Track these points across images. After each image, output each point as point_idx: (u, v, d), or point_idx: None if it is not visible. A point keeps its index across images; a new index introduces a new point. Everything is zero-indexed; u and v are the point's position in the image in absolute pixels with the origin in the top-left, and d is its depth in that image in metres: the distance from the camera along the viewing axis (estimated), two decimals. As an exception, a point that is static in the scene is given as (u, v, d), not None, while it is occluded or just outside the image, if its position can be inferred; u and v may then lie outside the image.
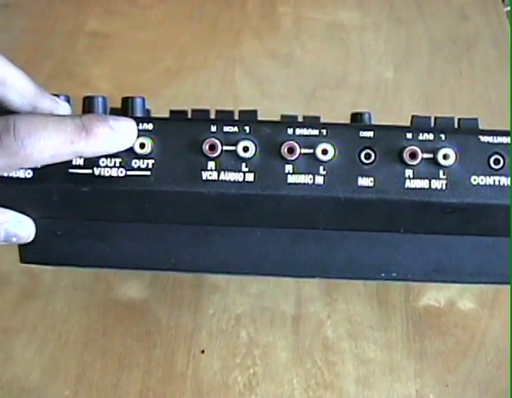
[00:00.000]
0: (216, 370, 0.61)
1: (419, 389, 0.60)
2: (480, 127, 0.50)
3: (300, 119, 0.52)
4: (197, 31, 0.88)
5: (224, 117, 0.50)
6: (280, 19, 0.90)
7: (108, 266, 0.55)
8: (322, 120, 0.51)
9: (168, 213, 0.48)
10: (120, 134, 0.44)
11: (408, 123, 0.50)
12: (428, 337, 0.63)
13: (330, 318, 0.63)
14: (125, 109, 0.49)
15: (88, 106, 0.49)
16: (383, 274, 0.53)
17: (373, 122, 0.53)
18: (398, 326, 0.63)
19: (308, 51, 0.86)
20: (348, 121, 0.53)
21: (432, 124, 0.50)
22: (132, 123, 0.45)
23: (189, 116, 0.52)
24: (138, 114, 0.49)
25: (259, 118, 0.50)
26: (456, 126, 0.50)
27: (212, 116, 0.51)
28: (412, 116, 0.50)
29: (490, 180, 0.46)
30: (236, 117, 0.50)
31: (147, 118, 0.47)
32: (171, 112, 0.54)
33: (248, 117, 0.50)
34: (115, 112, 0.50)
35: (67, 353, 0.62)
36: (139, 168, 0.46)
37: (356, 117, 0.52)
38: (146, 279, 0.65)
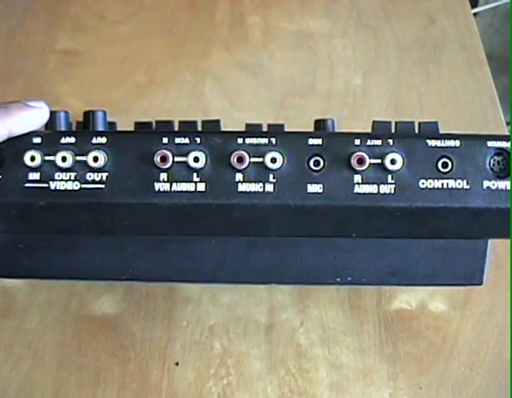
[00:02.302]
0: (191, 381, 0.61)
1: (393, 392, 0.60)
2: (441, 130, 0.51)
3: (265, 128, 0.53)
4: (167, 45, 0.88)
5: (187, 128, 0.50)
6: (249, 29, 0.90)
7: (68, 277, 0.55)
8: (287, 128, 0.52)
9: (123, 225, 0.48)
10: (33, 108, 0.47)
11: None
12: (401, 340, 0.63)
13: (303, 325, 0.64)
14: (86, 122, 0.50)
15: (50, 120, 0.50)
16: (338, 279, 0.54)
17: (337, 129, 0.53)
18: (371, 330, 0.63)
19: (277, 61, 0.87)
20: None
21: (393, 129, 0.50)
22: (42, 101, 0.48)
23: (153, 127, 0.53)
24: (100, 126, 0.50)
25: (222, 128, 0.51)
26: (416, 130, 0.50)
27: (176, 127, 0.52)
28: (373, 121, 0.51)
29: (438, 183, 0.47)
30: (199, 127, 0.51)
31: (100, 131, 0.48)
32: (136, 124, 0.54)
33: (212, 126, 0.50)
34: (80, 126, 0.51)
35: (43, 370, 0.62)
36: (93, 181, 0.47)
37: (319, 124, 0.53)
38: (119, 293, 0.65)
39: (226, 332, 0.63)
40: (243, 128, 0.55)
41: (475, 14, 1.77)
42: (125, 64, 0.87)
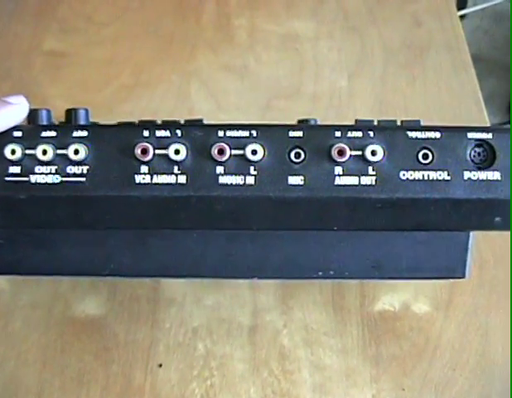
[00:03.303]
0: (174, 383, 0.61)
1: (375, 394, 0.60)
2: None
3: None
4: (153, 47, 0.89)
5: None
6: (235, 31, 0.90)
7: (49, 273, 0.55)
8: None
9: (104, 218, 0.48)
10: (11, 105, 0.48)
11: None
12: (384, 341, 0.63)
13: (287, 327, 0.64)
14: (69, 120, 0.50)
15: (32, 118, 0.50)
16: (320, 273, 0.54)
17: None
18: (354, 331, 0.64)
19: (263, 63, 0.87)
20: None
21: None
22: (21, 96, 0.49)
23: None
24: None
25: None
26: None
27: None
28: (356, 120, 0.51)
29: (419, 174, 0.47)
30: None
31: (81, 125, 0.48)
32: (120, 124, 0.54)
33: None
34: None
35: (27, 371, 0.62)
36: (74, 174, 0.47)
37: (302, 124, 0.53)
38: (103, 295, 0.65)
39: (210, 333, 0.63)
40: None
41: (463, 16, 1.78)
42: (111, 65, 0.87)
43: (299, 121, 0.54)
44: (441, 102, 0.82)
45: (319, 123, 0.53)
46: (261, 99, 0.82)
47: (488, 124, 0.80)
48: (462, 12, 1.73)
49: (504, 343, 0.63)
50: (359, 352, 0.63)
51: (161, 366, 0.62)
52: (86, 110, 0.51)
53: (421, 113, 0.81)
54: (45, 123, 0.50)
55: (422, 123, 0.51)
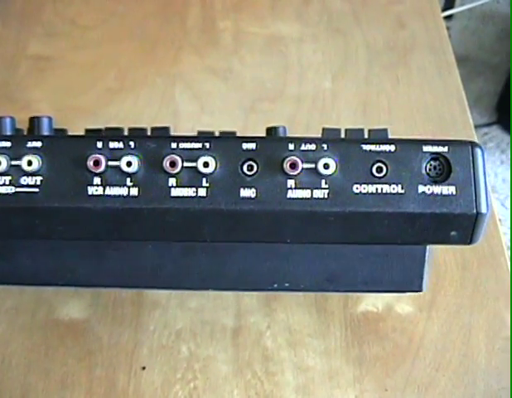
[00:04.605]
0: (157, 386, 0.61)
1: (358, 394, 0.61)
2: (390, 136, 0.51)
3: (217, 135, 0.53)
4: (138, 50, 0.89)
5: (136, 134, 0.51)
6: (220, 34, 0.91)
7: (5, 283, 0.55)
8: (239, 135, 0.52)
9: (58, 229, 0.48)
10: None
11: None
12: (367, 342, 0.63)
13: (270, 329, 0.64)
14: (32, 128, 0.50)
15: None
16: (275, 285, 0.54)
17: (288, 134, 0.53)
18: (337, 333, 0.64)
19: (247, 65, 0.87)
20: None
21: (343, 136, 0.51)
22: None
23: (103, 134, 0.53)
24: (45, 132, 0.50)
25: (171, 134, 0.51)
26: (366, 137, 0.51)
27: (126, 133, 0.52)
28: (323, 129, 0.51)
29: (372, 188, 0.47)
30: (149, 133, 0.51)
31: (35, 136, 0.48)
32: (86, 131, 0.55)
33: (159, 133, 0.51)
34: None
35: (11, 375, 0.62)
36: (28, 185, 0.47)
37: (271, 131, 0.53)
38: (87, 298, 0.65)
39: (193, 336, 0.64)
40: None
41: (450, 16, 1.78)
42: (96, 69, 0.87)
43: (268, 128, 0.54)
44: (424, 103, 0.83)
45: (287, 130, 0.54)
46: (245, 102, 0.83)
47: (472, 126, 0.80)
48: (449, 12, 1.73)
49: (487, 343, 0.63)
50: (342, 353, 0.63)
51: (144, 368, 0.62)
52: (49, 118, 0.51)
53: (405, 114, 0.81)
54: (8, 131, 0.50)
55: (390, 131, 0.51)
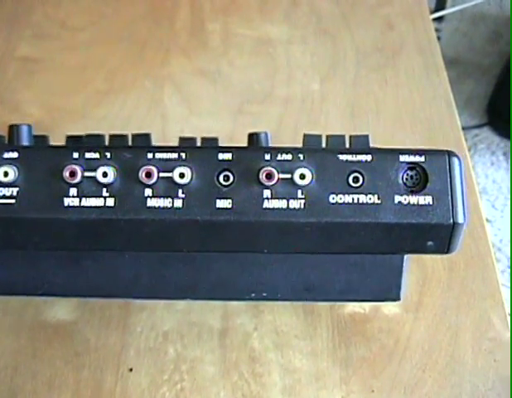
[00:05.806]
0: (144, 387, 0.61)
1: (345, 395, 0.61)
2: (371, 143, 0.51)
3: (198, 142, 0.53)
4: (127, 52, 0.89)
5: (117, 142, 0.51)
6: (208, 36, 0.91)
7: None
8: (220, 142, 0.52)
9: (34, 240, 0.48)
10: None
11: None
12: (353, 343, 0.63)
13: (257, 330, 0.64)
14: (11, 136, 0.50)
15: None
16: (253, 294, 0.54)
17: (271, 142, 0.53)
18: (324, 334, 0.64)
19: (236, 67, 0.87)
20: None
21: (324, 142, 0.51)
22: None
23: (82, 143, 0.53)
24: (24, 140, 0.50)
25: (152, 142, 0.51)
26: (347, 144, 0.51)
27: (106, 140, 0.52)
28: (304, 135, 0.51)
29: (348, 198, 0.47)
30: (130, 141, 0.51)
31: (12, 147, 0.48)
32: (67, 137, 0.55)
33: (142, 141, 0.51)
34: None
35: (-2, 378, 0.62)
36: (4, 196, 0.47)
37: (253, 137, 0.53)
38: (74, 300, 0.65)
39: (180, 337, 0.64)
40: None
41: (441, 18, 1.79)
42: (85, 71, 0.87)
43: (249, 134, 0.54)
44: (413, 105, 0.83)
45: (269, 136, 0.53)
46: (233, 104, 0.83)
47: (459, 127, 0.80)
48: (440, 13, 1.73)
49: (473, 344, 0.63)
50: (328, 355, 0.63)
51: (131, 370, 0.62)
52: (29, 126, 0.51)
53: (393, 116, 0.82)
54: None
55: (369, 138, 0.51)
